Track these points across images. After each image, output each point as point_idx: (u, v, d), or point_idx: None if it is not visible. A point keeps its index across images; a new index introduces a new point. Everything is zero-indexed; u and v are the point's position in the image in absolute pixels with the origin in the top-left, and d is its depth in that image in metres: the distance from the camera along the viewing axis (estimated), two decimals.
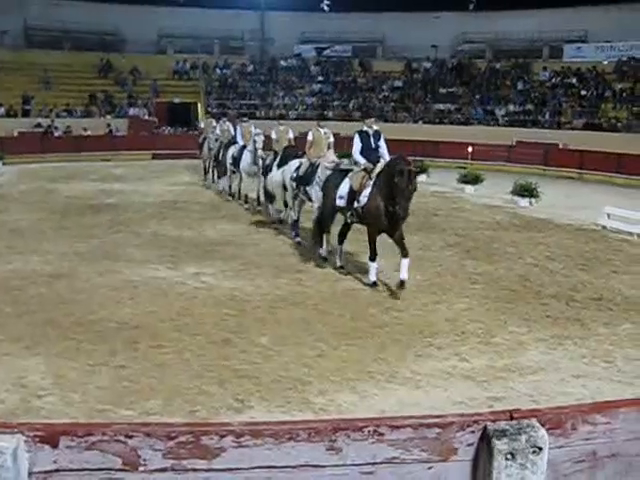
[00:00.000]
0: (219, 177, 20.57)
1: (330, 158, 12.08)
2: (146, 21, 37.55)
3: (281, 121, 16.89)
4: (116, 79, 37.28)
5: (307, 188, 12.58)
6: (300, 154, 13.57)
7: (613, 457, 2.65)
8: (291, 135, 15.66)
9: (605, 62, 34.28)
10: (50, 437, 2.24)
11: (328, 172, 11.61)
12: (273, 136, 15.52)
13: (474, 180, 21.46)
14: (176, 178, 23.76)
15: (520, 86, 35.53)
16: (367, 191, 10.16)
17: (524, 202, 18.83)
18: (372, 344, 7.79)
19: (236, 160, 17.82)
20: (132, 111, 35.52)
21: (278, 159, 14.68)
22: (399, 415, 2.76)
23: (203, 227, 14.70)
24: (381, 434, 2.39)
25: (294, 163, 13.39)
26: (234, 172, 18.46)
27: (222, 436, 2.32)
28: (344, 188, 10.69)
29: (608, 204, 16.31)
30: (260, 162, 16.31)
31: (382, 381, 6.75)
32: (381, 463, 2.42)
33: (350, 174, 10.76)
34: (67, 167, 26.81)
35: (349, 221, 10.81)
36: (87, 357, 7.14)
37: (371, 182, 10.17)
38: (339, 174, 11.19)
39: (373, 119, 11.28)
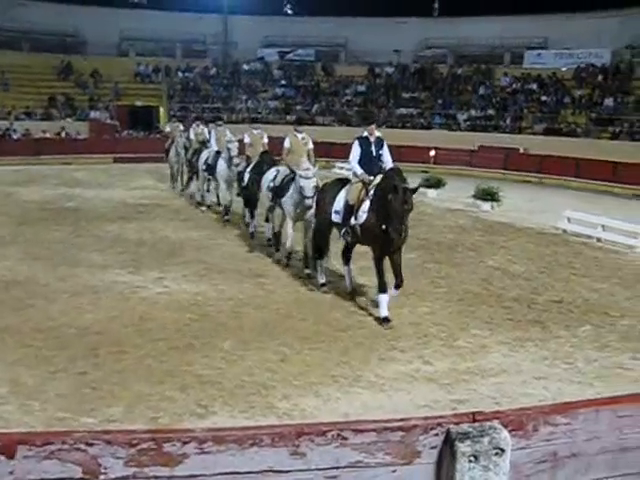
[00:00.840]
0: (190, 182, 19.97)
1: (304, 165, 10.92)
2: (107, 23, 37.09)
3: (255, 125, 15.81)
4: (77, 81, 36.79)
5: (282, 200, 11.53)
6: (276, 161, 12.79)
7: (573, 457, 2.68)
8: (266, 140, 14.63)
9: (564, 69, 34.87)
10: (6, 447, 2.18)
11: (307, 181, 10.50)
12: (246, 140, 14.62)
13: (436, 184, 21.61)
14: (138, 182, 23.53)
15: (482, 91, 35.96)
16: (366, 206, 9.03)
17: (486, 206, 19.03)
18: (335, 348, 7.79)
19: (211, 167, 17.05)
20: (93, 114, 35.10)
21: (252, 165, 13.84)
22: (363, 419, 2.76)
23: (165, 231, 14.58)
24: (345, 438, 2.38)
25: (271, 172, 12.37)
26: (209, 179, 17.80)
27: (185, 443, 2.29)
28: (340, 202, 9.55)
29: (568, 208, 16.57)
30: (243, 165, 15.26)
31: (345, 385, 6.75)
32: (345, 467, 2.41)
33: (347, 186, 9.65)
34: (26, 170, 26.37)
35: (344, 240, 9.69)
36: (46, 364, 7.02)
37: (368, 198, 9.06)
38: (336, 185, 10.02)
39: (374, 125, 9.81)
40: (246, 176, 13.90)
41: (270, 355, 7.46)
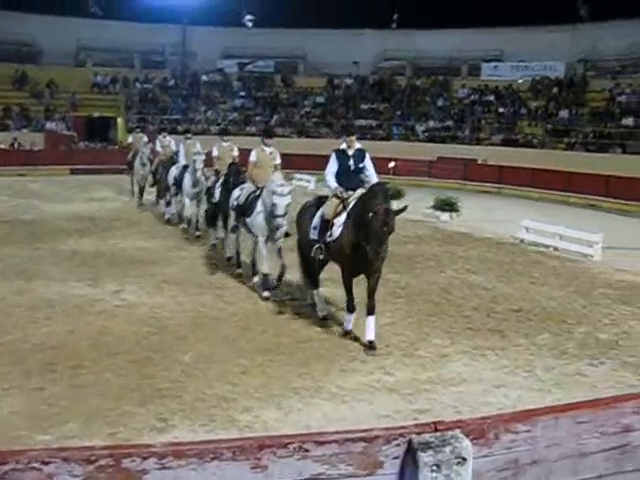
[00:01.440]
0: (159, 198, 18.94)
1: (278, 181, 10.05)
2: (64, 32, 36.64)
3: (225, 137, 14.35)
4: (32, 91, 36.25)
5: (247, 219, 10.71)
6: (244, 173, 11.92)
7: (534, 464, 2.71)
8: (236, 153, 13.73)
9: (520, 81, 35.55)
10: None
11: (281, 199, 9.71)
12: (214, 153, 13.78)
13: (395, 195, 21.70)
14: (95, 194, 23.20)
15: (440, 103, 36.41)
16: (340, 221, 8.55)
17: (445, 216, 19.20)
18: (296, 360, 7.76)
19: (177, 181, 16.25)
20: (49, 125, 34.59)
21: (222, 180, 12.98)
22: (324, 431, 2.74)
23: (123, 244, 14.39)
24: (307, 450, 2.36)
25: (237, 191, 11.59)
26: (176, 194, 16.87)
27: (144, 458, 2.25)
28: (317, 218, 9.03)
29: (525, 218, 16.81)
30: (203, 180, 14.90)
31: (307, 396, 6.72)
32: (307, 479, 2.40)
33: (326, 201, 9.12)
34: None
35: (315, 257, 8.90)
36: (0, 380, 6.85)
37: (345, 212, 8.57)
38: (316, 203, 9.40)
39: (354, 136, 9.12)
40: (217, 191, 13.05)
41: (231, 367, 7.40)
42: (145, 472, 2.25)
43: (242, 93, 39.60)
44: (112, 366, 7.31)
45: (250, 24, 39.58)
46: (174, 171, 16.66)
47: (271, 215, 9.95)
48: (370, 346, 8.17)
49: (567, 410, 2.82)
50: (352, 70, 39.10)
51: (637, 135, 29.05)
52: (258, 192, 10.63)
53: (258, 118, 37.71)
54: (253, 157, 11.06)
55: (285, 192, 9.78)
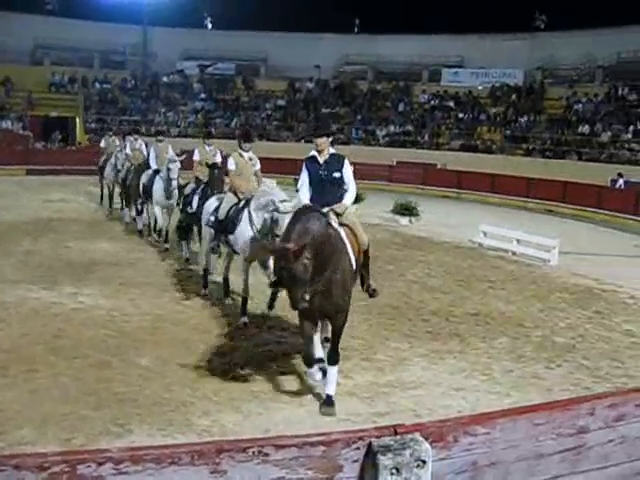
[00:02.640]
0: (126, 206, 17.59)
1: (278, 194, 8.75)
2: (21, 29, 35.94)
3: (209, 140, 12.86)
4: None
5: (230, 237, 9.51)
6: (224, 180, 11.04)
7: (492, 465, 2.73)
8: (219, 158, 12.49)
9: (480, 87, 35.99)
10: None
11: (284, 217, 7.97)
12: (196, 158, 12.35)
13: (355, 199, 21.80)
14: (52, 195, 22.79)
15: (400, 108, 36.65)
16: None
17: (404, 221, 19.32)
18: (255, 363, 7.71)
19: (146, 188, 14.81)
20: (5, 124, 33.91)
21: (201, 187, 12.03)
22: (284, 434, 2.72)
23: (81, 246, 14.17)
24: (266, 454, 2.34)
25: (211, 203, 10.44)
26: (144, 202, 15.64)
27: (100, 464, 2.20)
28: None
29: (484, 222, 17.01)
30: (176, 193, 13.71)
31: (266, 400, 6.70)
32: None
33: None
34: None
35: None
36: None
37: None
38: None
39: (324, 138, 7.23)
40: (195, 200, 11.89)
41: (189, 371, 7.33)
42: (101, 478, 2.20)
43: (202, 95, 39.36)
44: (68, 370, 7.19)
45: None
46: (144, 177, 15.21)
47: (269, 234, 8.61)
48: (329, 403, 6.62)
49: (524, 412, 2.85)
50: (313, 74, 39.17)
51: (592, 143, 29.62)
52: (241, 204, 9.47)
53: (218, 120, 37.50)
54: (231, 165, 9.98)
55: (289, 209, 8.06)
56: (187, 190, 12.58)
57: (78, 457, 2.23)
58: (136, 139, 17.96)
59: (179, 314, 9.54)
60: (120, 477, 2.22)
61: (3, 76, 35.63)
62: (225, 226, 9.65)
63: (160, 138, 15.91)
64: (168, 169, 13.55)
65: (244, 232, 9.15)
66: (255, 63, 40.56)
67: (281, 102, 38.74)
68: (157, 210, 14.48)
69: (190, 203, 12.07)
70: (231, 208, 9.65)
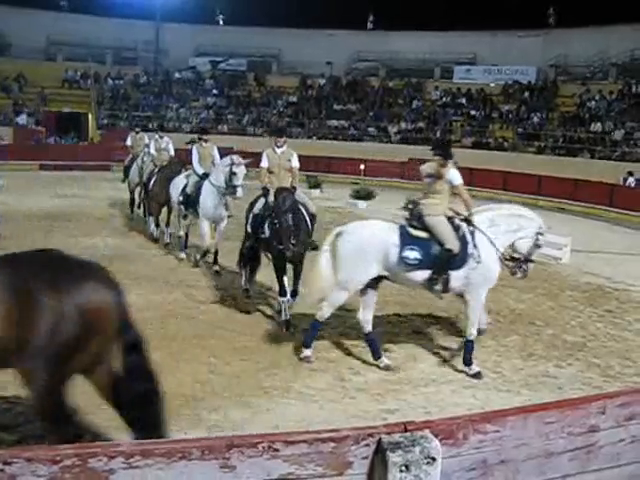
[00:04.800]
0: (150, 214, 15.16)
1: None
2: (34, 26, 36.15)
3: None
4: (0, 85, 35.69)
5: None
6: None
7: (502, 463, 2.72)
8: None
9: (492, 84, 35.83)
10: None
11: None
12: (264, 164, 9.79)
13: (367, 196, 21.80)
14: (64, 190, 22.92)
15: (413, 105, 36.54)
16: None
17: None
18: (266, 359, 7.74)
19: (190, 198, 12.37)
20: (20, 120, 34.02)
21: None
22: (294, 430, 2.72)
23: (92, 240, 14.23)
24: (276, 450, 2.35)
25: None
26: (185, 216, 13.09)
27: (111, 457, 2.22)
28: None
29: None
30: (230, 204, 11.86)
31: (276, 396, 6.71)
32: (276, 479, 2.38)
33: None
34: None
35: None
36: None
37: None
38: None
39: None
40: (266, 225, 9.23)
41: (199, 366, 7.36)
42: (112, 472, 2.22)
43: (214, 91, 39.39)
44: None
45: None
46: (181, 181, 12.96)
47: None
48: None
49: (535, 411, 2.84)
50: (325, 70, 39.11)
51: (605, 141, 29.45)
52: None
53: (230, 117, 37.56)
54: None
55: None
56: (256, 208, 9.71)
57: (89, 451, 2.24)
58: (161, 137, 15.95)
59: (190, 309, 9.57)
60: (130, 471, 2.23)
61: (17, 72, 35.81)
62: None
63: (205, 138, 12.98)
64: (233, 173, 11.24)
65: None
66: (267, 59, 40.57)
67: (293, 98, 38.72)
68: (205, 225, 12.07)
69: (262, 225, 9.35)
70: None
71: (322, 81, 39.24)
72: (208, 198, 11.79)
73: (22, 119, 34.17)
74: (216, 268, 11.89)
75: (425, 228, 7.75)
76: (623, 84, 31.75)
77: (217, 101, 38.87)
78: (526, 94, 34.48)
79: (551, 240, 14.80)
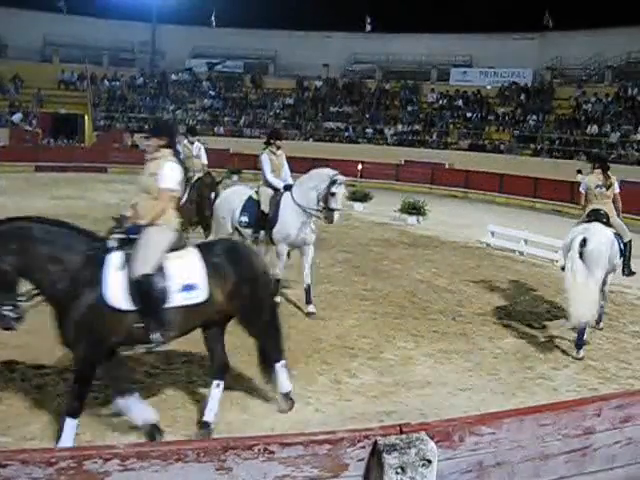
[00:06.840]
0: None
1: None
2: (31, 27, 36.15)
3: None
4: None
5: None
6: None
7: (498, 465, 2.72)
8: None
9: (489, 87, 35.92)
10: None
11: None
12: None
13: (363, 198, 21.81)
14: (61, 192, 22.88)
15: (409, 107, 36.59)
16: None
17: (412, 220, 19.30)
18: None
19: (260, 220, 9.69)
20: (17, 119, 33.95)
21: None
22: (289, 432, 2.72)
23: None
24: (271, 452, 2.35)
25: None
26: (256, 239, 9.75)
27: (106, 460, 2.21)
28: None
29: (491, 222, 16.98)
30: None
31: (272, 398, 6.69)
32: None
33: None
34: None
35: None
36: None
37: None
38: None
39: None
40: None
41: (195, 368, 7.34)
42: (107, 474, 2.21)
43: (211, 93, 39.43)
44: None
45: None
46: (236, 197, 10.13)
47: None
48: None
49: (530, 413, 2.84)
50: (322, 72, 39.17)
51: (601, 143, 29.50)
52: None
53: (227, 118, 37.57)
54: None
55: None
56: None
57: (85, 453, 2.24)
58: (191, 142, 12.97)
59: None
60: (126, 473, 2.23)
61: (13, 73, 35.81)
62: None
63: (278, 143, 10.14)
64: (331, 194, 9.25)
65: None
66: (264, 61, 40.62)
67: (289, 100, 38.77)
68: (283, 250, 9.66)
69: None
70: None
71: (318, 83, 39.29)
72: (289, 217, 9.53)
73: (17, 117, 34.04)
74: (311, 309, 9.61)
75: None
76: (619, 87, 31.86)
77: (213, 103, 38.89)
78: (522, 96, 34.56)
79: (546, 242, 14.87)
